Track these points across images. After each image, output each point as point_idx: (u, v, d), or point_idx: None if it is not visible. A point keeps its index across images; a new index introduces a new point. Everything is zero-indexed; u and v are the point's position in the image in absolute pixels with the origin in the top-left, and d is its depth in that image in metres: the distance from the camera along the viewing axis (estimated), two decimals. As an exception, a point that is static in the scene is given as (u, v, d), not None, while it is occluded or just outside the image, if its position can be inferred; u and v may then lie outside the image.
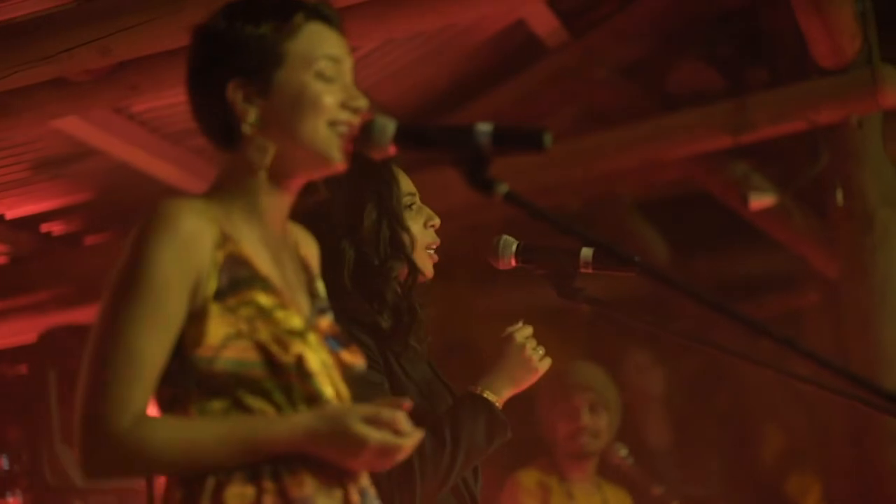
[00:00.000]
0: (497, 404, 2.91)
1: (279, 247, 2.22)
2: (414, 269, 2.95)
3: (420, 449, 2.46)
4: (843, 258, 5.64)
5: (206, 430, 2.03)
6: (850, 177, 5.52)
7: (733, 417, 7.16)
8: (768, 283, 7.17)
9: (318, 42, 2.18)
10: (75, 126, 5.04)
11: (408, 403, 2.09)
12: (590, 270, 2.91)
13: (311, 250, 2.36)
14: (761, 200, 5.81)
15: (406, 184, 2.99)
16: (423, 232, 2.99)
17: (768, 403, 7.07)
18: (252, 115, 2.14)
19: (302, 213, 2.32)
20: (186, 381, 2.05)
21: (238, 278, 2.07)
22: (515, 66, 6.17)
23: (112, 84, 4.51)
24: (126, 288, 2.02)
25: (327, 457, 2.05)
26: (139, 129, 5.32)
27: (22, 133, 5.08)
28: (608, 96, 6.28)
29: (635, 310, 2.98)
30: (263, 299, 2.08)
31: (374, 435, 2.02)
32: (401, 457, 2.06)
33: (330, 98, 2.16)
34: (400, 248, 2.93)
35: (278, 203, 2.21)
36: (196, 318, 2.04)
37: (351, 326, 2.65)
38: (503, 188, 2.02)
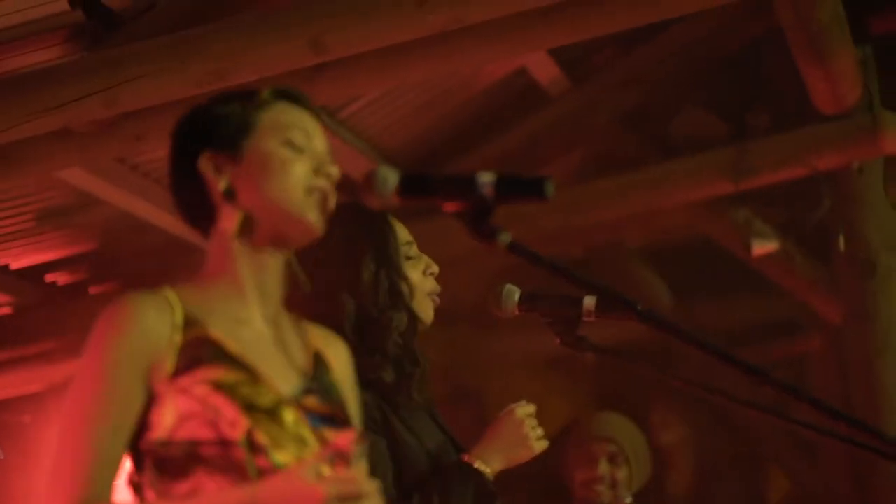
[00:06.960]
0: (487, 475, 2.88)
1: (267, 320, 2.18)
2: (413, 318, 2.94)
3: None
4: (845, 303, 5.65)
5: None
6: (852, 222, 5.55)
7: (739, 463, 7.14)
8: (771, 328, 7.16)
9: (288, 116, 2.19)
10: (79, 176, 5.04)
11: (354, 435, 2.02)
12: (592, 318, 2.89)
13: (333, 350, 2.29)
14: (763, 246, 5.81)
15: (403, 233, 2.97)
16: (422, 280, 2.98)
17: (772, 449, 7.06)
18: (223, 183, 2.14)
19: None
20: (144, 465, 2.04)
21: (198, 357, 2.05)
22: (517, 114, 6.19)
23: (116, 134, 4.53)
24: (84, 388, 2.04)
25: None
26: (143, 179, 5.32)
27: (26, 183, 5.08)
28: (609, 143, 6.30)
29: (640, 357, 2.97)
30: (224, 376, 2.04)
31: (328, 486, 1.93)
32: None
33: (300, 166, 2.15)
34: (399, 298, 2.91)
35: (261, 274, 2.17)
36: (152, 402, 2.03)
37: None
38: (506, 237, 1.99)
